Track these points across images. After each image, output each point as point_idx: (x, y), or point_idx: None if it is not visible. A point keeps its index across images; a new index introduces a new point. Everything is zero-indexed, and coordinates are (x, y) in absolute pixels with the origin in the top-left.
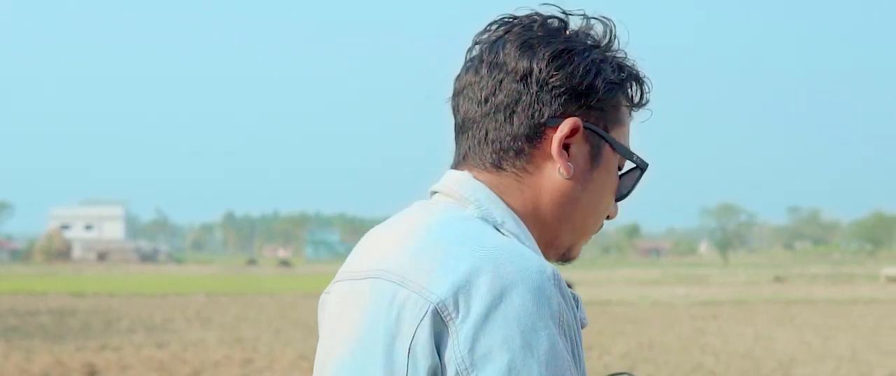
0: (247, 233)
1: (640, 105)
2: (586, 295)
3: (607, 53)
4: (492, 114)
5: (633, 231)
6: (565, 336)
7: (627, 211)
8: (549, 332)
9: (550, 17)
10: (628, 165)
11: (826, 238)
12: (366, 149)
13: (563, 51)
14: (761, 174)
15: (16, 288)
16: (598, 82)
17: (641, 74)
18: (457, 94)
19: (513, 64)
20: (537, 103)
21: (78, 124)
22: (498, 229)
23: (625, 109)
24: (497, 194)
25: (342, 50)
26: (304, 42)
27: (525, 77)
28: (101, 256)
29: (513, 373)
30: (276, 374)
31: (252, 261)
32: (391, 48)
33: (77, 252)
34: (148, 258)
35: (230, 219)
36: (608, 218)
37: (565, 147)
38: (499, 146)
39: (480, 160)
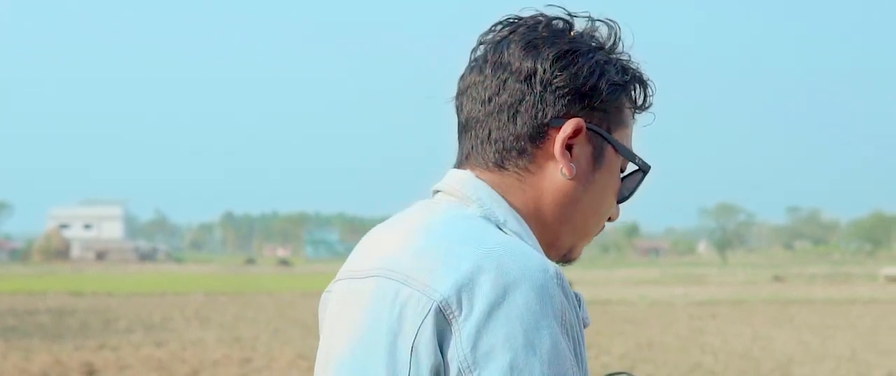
0: (246, 232)
1: (643, 107)
2: (585, 294)
3: (611, 55)
4: (495, 114)
5: (631, 230)
6: (568, 335)
7: (626, 210)
8: (551, 331)
9: (555, 18)
10: (631, 167)
11: (825, 238)
12: (365, 149)
13: (567, 52)
14: (760, 174)
15: (14, 287)
16: (602, 84)
17: (645, 77)
18: (460, 93)
19: (517, 64)
20: (541, 103)
21: (77, 124)
22: (500, 228)
23: (628, 111)
24: (499, 193)
25: (342, 50)
26: (303, 42)
27: (529, 77)
28: (100, 256)
29: (515, 372)
30: (275, 373)
31: (251, 261)
32: (391, 48)
33: (76, 251)
34: (147, 257)
35: (229, 218)
36: (610, 220)
37: (568, 147)
38: (502, 146)
39: (483, 159)
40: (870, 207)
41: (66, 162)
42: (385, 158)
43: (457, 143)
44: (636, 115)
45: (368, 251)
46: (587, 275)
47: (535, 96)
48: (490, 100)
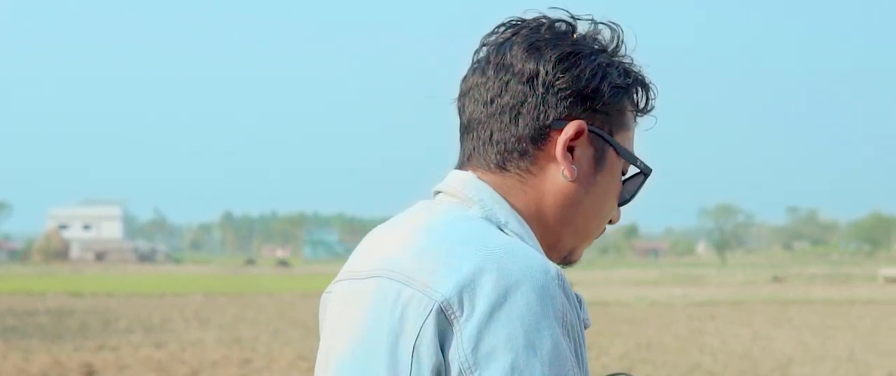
0: (245, 233)
1: (645, 111)
2: (584, 295)
3: (614, 58)
4: (497, 116)
5: (631, 231)
6: (569, 336)
7: (625, 211)
8: (552, 332)
9: (558, 20)
10: (632, 170)
11: (824, 238)
12: (364, 150)
13: (569, 54)
14: (759, 174)
15: (14, 288)
16: (604, 86)
17: (647, 80)
18: (463, 94)
19: (519, 66)
20: (543, 105)
21: (76, 124)
22: (501, 229)
23: (630, 114)
24: (501, 195)
25: (341, 50)
26: (302, 42)
27: (531, 79)
28: (100, 256)
29: (516, 373)
30: (275, 374)
31: (250, 261)
32: (390, 48)
33: (75, 252)
34: (146, 258)
35: (228, 219)
36: (610, 222)
37: (569, 149)
38: (503, 147)
39: (485, 161)
40: (869, 208)
41: (65, 162)
42: (384, 159)
43: (458, 145)
44: (638, 119)
45: (369, 252)
46: (586, 276)
47: (537, 98)
48: (492, 101)
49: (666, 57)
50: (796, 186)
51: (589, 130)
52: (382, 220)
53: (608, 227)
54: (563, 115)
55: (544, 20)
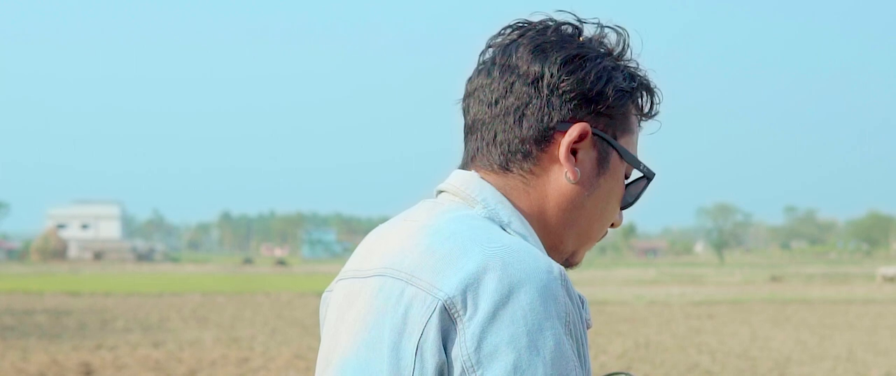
0: (243, 232)
1: (649, 115)
2: (582, 294)
3: (619, 62)
4: (501, 117)
5: (629, 231)
6: (571, 336)
7: (624, 211)
8: (555, 332)
9: (564, 23)
10: (635, 174)
11: (822, 237)
12: (362, 150)
13: (575, 56)
14: (757, 174)
15: (12, 287)
16: (609, 89)
17: (652, 85)
18: (468, 95)
19: (525, 67)
20: (547, 107)
21: (75, 124)
22: (504, 229)
23: (634, 118)
24: (504, 195)
25: (340, 50)
26: (301, 42)
27: (536, 81)
28: (98, 256)
29: (518, 373)
30: (273, 373)
31: (248, 261)
32: (389, 48)
33: (73, 251)
34: (144, 257)
35: (226, 218)
36: (613, 226)
37: (573, 152)
38: (507, 148)
39: (488, 161)
40: (867, 207)
41: (63, 161)
42: (382, 159)
43: (462, 145)
44: (642, 123)
45: (372, 250)
46: (585, 276)
47: (541, 100)
48: (497, 102)
49: (664, 55)
50: (794, 186)
51: (593, 133)
52: (380, 220)
53: (610, 231)
54: (568, 118)
55: (550, 23)
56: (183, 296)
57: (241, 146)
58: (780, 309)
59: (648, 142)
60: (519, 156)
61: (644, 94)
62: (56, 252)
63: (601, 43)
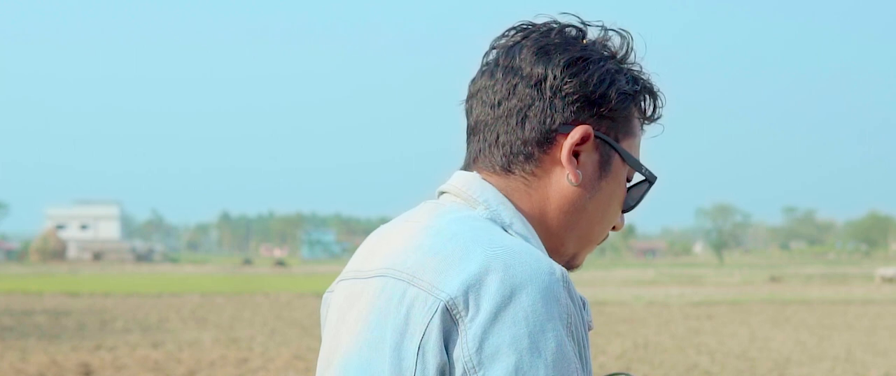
0: (242, 232)
1: (652, 118)
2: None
3: (623, 65)
4: (504, 118)
5: (628, 231)
6: (573, 337)
7: None
8: (556, 333)
9: (568, 25)
10: (637, 177)
11: (821, 238)
12: (362, 150)
13: (578, 59)
14: (757, 174)
15: (11, 287)
16: (612, 92)
17: (655, 88)
18: (471, 96)
19: (528, 69)
20: (550, 109)
21: (74, 124)
22: (506, 230)
23: (637, 122)
24: (505, 196)
25: (340, 50)
26: (301, 42)
27: (539, 83)
28: (97, 256)
29: (520, 374)
30: (272, 374)
31: (247, 261)
32: (389, 48)
33: (72, 252)
34: (143, 258)
35: (225, 219)
36: (614, 229)
37: (575, 154)
38: (509, 149)
39: (490, 163)
40: (866, 208)
41: (62, 161)
42: (382, 159)
43: (464, 146)
44: (645, 126)
45: (374, 251)
46: (584, 276)
47: (544, 102)
48: (499, 104)
49: (663, 56)
50: (793, 186)
51: (595, 136)
52: (380, 220)
53: (611, 233)
54: (570, 120)
55: (554, 25)
56: (182, 297)
57: (240, 146)
58: (780, 309)
59: (648, 142)
60: (521, 157)
61: (647, 97)
62: (55, 252)
63: (605, 46)
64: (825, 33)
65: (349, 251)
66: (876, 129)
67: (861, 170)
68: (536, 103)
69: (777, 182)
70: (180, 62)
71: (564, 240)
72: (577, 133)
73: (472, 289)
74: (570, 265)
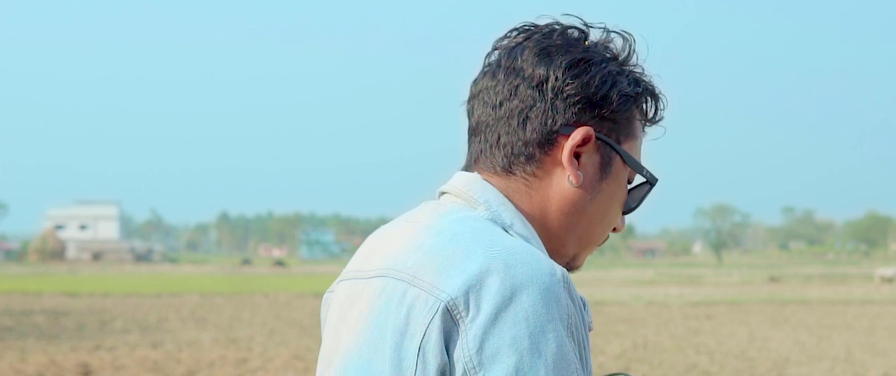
0: (241, 233)
1: (653, 121)
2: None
3: (625, 67)
4: (505, 119)
5: (627, 231)
6: (573, 338)
7: None
8: (557, 334)
9: (570, 27)
10: (638, 179)
11: (820, 238)
12: (361, 150)
13: (580, 60)
14: (756, 174)
15: (10, 288)
16: (613, 94)
17: (657, 90)
18: (472, 97)
19: (530, 70)
20: (551, 110)
21: (73, 124)
22: (506, 231)
23: (638, 123)
24: (506, 197)
25: (339, 50)
26: (300, 42)
27: (541, 84)
28: (96, 256)
29: (520, 374)
30: (271, 374)
31: (247, 261)
32: (389, 48)
33: (71, 252)
34: (142, 258)
35: (224, 219)
36: (614, 230)
37: (576, 155)
38: (510, 150)
39: (491, 163)
40: (865, 208)
41: (61, 161)
42: (380, 160)
43: (465, 146)
44: (646, 128)
45: (374, 251)
46: (583, 276)
47: (545, 103)
48: (501, 104)
49: (662, 56)
50: (792, 186)
51: (596, 137)
52: (378, 221)
53: (611, 234)
54: (571, 121)
55: (557, 26)
56: (181, 297)
57: (239, 146)
58: (779, 309)
59: (648, 143)
60: (522, 158)
61: (649, 99)
62: (54, 252)
63: (607, 47)
64: (824, 33)
65: (348, 251)
66: (875, 129)
67: (860, 171)
68: (538, 104)
69: (776, 182)
70: (179, 62)
71: (565, 241)
72: (578, 134)
73: (472, 290)
74: (571, 266)
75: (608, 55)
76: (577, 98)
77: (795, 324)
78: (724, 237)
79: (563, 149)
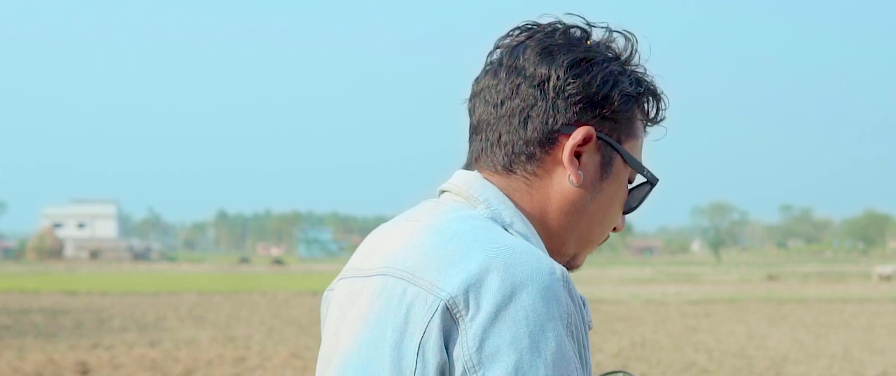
0: (239, 231)
1: (655, 121)
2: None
3: (627, 67)
4: (507, 118)
5: (625, 229)
6: (573, 337)
7: None
8: (556, 333)
9: (573, 26)
10: (639, 179)
11: (818, 236)
12: (359, 149)
13: (581, 60)
14: (753, 173)
15: (8, 286)
16: (615, 94)
17: (659, 90)
18: (474, 95)
19: (531, 69)
20: (552, 110)
21: (71, 123)
22: (506, 229)
23: (639, 123)
24: (506, 195)
25: (339, 50)
26: (300, 42)
27: (542, 83)
28: (94, 255)
29: (519, 374)
30: (269, 373)
31: (244, 260)
32: (389, 48)
33: (69, 250)
34: (140, 256)
35: (222, 217)
36: (615, 230)
37: (577, 155)
38: (511, 149)
39: (492, 162)
40: (863, 206)
41: (59, 160)
42: (378, 158)
43: (464, 145)
44: (648, 128)
45: (374, 250)
46: (581, 274)
47: (547, 102)
48: (502, 103)
49: (660, 54)
50: (790, 184)
51: (597, 137)
52: (376, 219)
53: (611, 234)
54: (572, 121)
55: (559, 25)
56: (179, 296)
57: (237, 145)
58: (777, 307)
59: (647, 142)
60: (523, 157)
61: (650, 99)
62: (52, 251)
63: (609, 47)
64: (823, 33)
65: (346, 249)
66: (873, 128)
67: (858, 169)
68: (539, 103)
69: (774, 180)
70: (177, 61)
71: (565, 240)
72: (578, 134)
73: (472, 289)
74: (571, 265)
75: (610, 55)
76: (578, 97)
77: (793, 322)
78: (723, 235)
79: (563, 148)
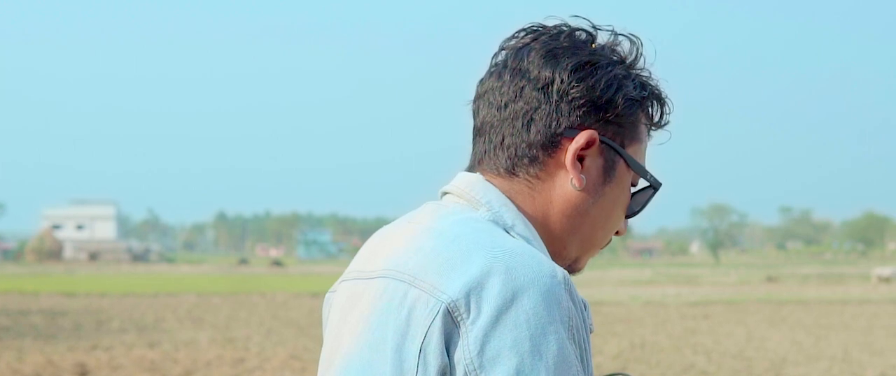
0: (238, 232)
1: (659, 125)
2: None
3: (631, 70)
4: (510, 120)
5: None
6: (574, 340)
7: None
8: (558, 337)
9: (578, 29)
10: (642, 183)
11: (818, 238)
12: (358, 150)
13: (586, 63)
14: (753, 174)
15: (7, 287)
16: (619, 97)
17: (663, 95)
18: (478, 97)
19: (535, 72)
20: (556, 113)
21: (70, 123)
22: (508, 232)
23: (643, 127)
24: (508, 198)
25: (339, 50)
26: (300, 42)
27: (546, 86)
28: (93, 256)
29: None
30: (268, 374)
31: (244, 261)
32: (389, 48)
33: (68, 252)
34: (139, 258)
35: (222, 218)
36: (617, 234)
37: (580, 159)
38: (514, 152)
39: (495, 165)
40: (862, 207)
41: (59, 161)
42: (378, 159)
43: (465, 146)
44: (651, 132)
45: (376, 252)
46: (580, 276)
47: (550, 105)
48: (506, 106)
49: (660, 55)
50: (790, 186)
51: (600, 141)
52: (376, 220)
53: (613, 238)
54: (576, 124)
55: (564, 28)
56: (178, 297)
57: (236, 146)
58: (776, 309)
59: (649, 145)
60: (525, 160)
61: (654, 103)
62: (51, 252)
63: (614, 50)
64: (822, 34)
65: (345, 251)
66: (873, 129)
67: (857, 170)
68: (543, 106)
69: (773, 182)
70: (177, 62)
71: (567, 243)
72: (582, 137)
73: (473, 292)
74: (573, 269)
75: (615, 58)
76: (582, 101)
77: (793, 324)
78: (722, 237)
79: (566, 151)
